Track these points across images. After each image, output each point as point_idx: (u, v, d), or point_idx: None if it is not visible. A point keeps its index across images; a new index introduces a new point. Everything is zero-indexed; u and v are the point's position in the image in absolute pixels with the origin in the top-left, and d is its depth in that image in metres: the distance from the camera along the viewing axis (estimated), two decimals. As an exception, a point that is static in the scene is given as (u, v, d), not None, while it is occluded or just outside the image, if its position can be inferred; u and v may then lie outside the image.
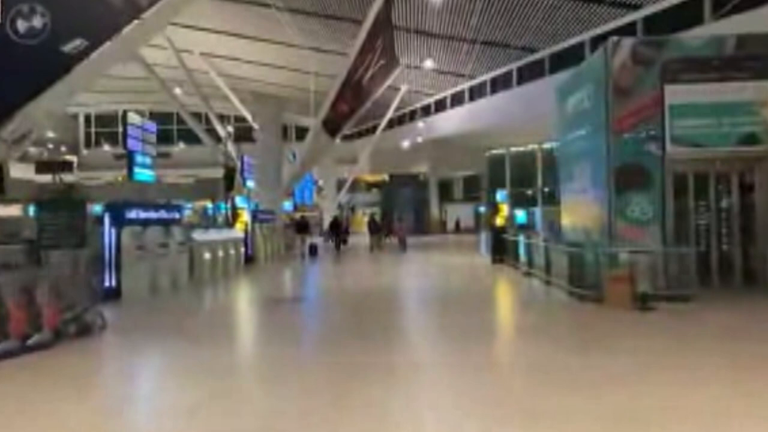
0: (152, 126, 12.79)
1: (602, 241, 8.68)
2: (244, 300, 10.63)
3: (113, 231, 9.20)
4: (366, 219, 27.77)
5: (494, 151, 43.18)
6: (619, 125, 8.57)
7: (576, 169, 10.16)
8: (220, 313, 9.06)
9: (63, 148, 47.83)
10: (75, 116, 48.82)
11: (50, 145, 46.38)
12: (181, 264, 11.25)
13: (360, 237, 31.73)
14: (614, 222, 8.51)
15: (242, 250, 15.30)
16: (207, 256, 12.50)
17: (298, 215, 31.48)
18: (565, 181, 10.90)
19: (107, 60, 9.34)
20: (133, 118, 11.76)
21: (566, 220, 11.00)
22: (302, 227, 20.80)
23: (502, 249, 14.58)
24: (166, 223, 10.77)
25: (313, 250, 19.98)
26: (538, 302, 9.19)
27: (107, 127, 46.45)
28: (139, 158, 11.99)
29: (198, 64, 27.30)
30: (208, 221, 20.25)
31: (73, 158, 46.41)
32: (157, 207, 10.55)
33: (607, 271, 7.83)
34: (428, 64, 24.43)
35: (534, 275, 11.31)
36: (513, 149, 41.89)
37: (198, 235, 12.46)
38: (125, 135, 11.47)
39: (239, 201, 17.20)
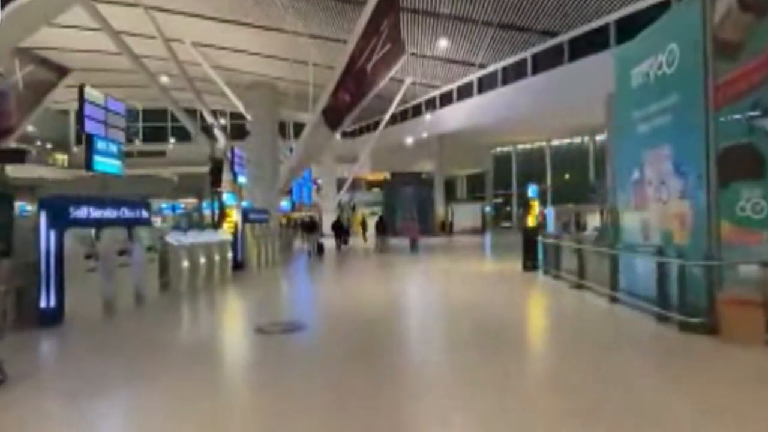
0: (119, 106, 10.48)
1: (695, 247, 6.56)
2: (221, 329, 7.65)
3: (52, 234, 7.03)
4: (373, 219, 26.27)
5: (501, 149, 41.18)
6: (723, 95, 6.45)
7: (648, 154, 8.00)
8: (184, 352, 6.03)
9: (49, 145, 45.66)
10: (65, 113, 46.69)
11: (38, 142, 44.20)
12: (150, 275, 9.07)
13: (359, 238, 29.53)
14: (715, 222, 6.38)
15: (230, 255, 13.10)
16: (185, 263, 10.34)
17: (306, 215, 30.40)
18: (628, 170, 8.73)
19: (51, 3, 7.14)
20: (92, 94, 9.51)
21: (630, 220, 8.83)
22: (309, 227, 21.50)
23: (534, 254, 12.46)
24: (129, 224, 8.60)
25: (320, 248, 20.23)
26: (625, 336, 6.33)
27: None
28: (100, 144, 9.75)
29: (190, 55, 25.21)
30: (190, 221, 18.03)
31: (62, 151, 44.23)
32: (116, 203, 8.32)
33: (723, 290, 5.69)
34: (443, 43, 22.30)
35: (588, 288, 9.18)
36: (520, 146, 39.89)
37: (173, 239, 10.28)
38: (81, 114, 9.23)
39: (228, 198, 15.04)
